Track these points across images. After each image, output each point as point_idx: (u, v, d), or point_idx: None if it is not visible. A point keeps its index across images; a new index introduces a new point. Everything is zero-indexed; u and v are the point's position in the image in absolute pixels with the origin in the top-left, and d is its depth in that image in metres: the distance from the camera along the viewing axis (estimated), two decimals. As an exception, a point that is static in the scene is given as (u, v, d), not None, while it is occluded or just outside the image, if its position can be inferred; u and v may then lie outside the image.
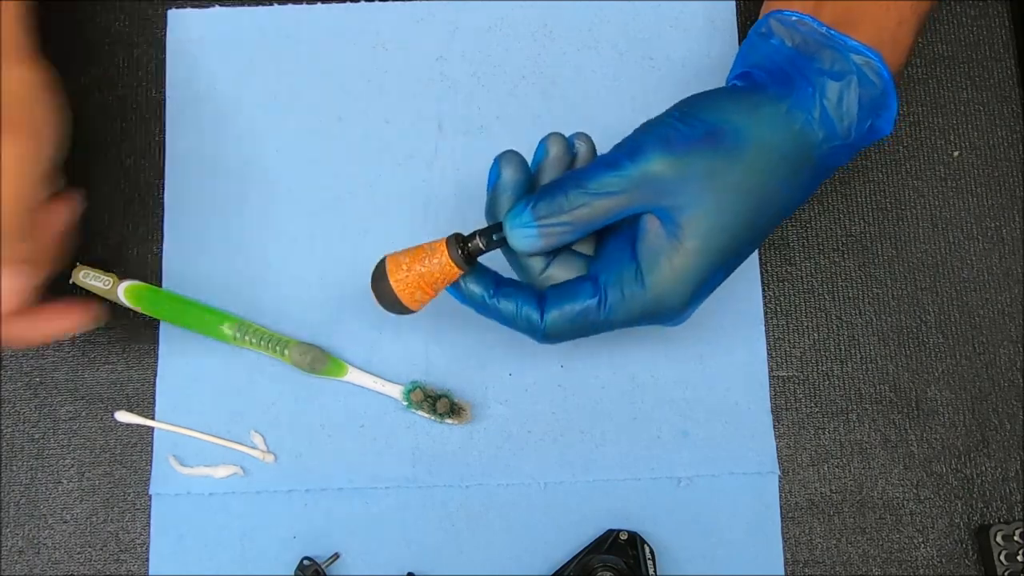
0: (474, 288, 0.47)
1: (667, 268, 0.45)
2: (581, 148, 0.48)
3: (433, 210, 0.59)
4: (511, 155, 0.47)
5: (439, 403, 0.56)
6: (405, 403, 0.56)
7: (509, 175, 0.46)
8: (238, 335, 0.56)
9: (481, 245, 0.46)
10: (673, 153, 0.44)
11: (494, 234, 0.46)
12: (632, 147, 0.45)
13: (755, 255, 0.59)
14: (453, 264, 0.46)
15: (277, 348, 0.56)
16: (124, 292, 0.57)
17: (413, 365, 0.57)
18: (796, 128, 0.45)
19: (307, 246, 0.59)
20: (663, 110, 0.47)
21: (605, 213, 0.45)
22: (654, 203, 0.45)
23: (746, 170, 0.45)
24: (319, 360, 0.56)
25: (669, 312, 0.47)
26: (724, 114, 0.45)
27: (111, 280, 0.57)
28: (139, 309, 0.57)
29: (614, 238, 0.47)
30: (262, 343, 0.56)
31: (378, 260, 0.47)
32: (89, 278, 0.57)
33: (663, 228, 0.45)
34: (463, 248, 0.46)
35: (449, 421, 0.56)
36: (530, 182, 0.47)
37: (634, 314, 0.46)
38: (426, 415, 0.56)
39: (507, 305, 0.47)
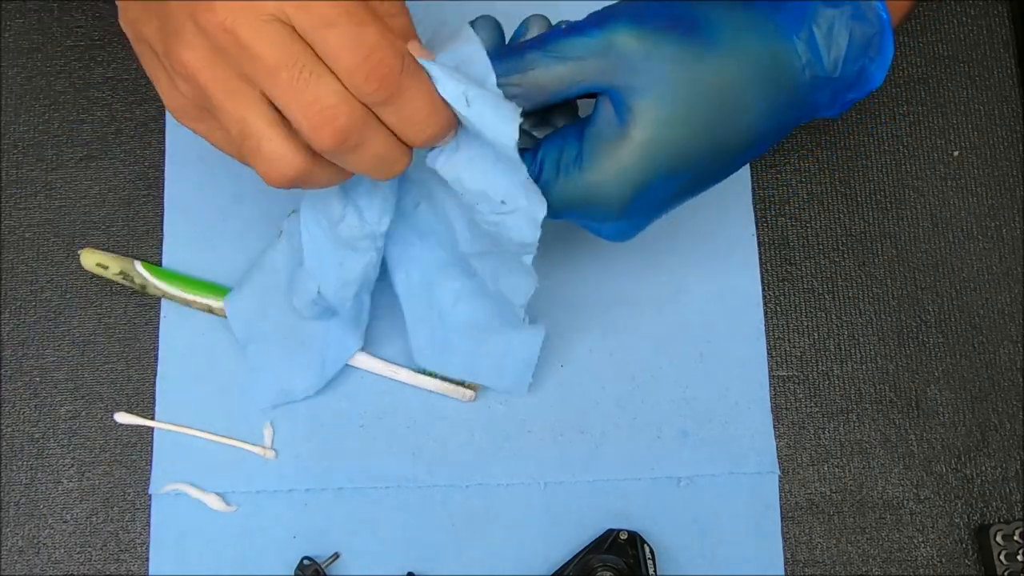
0: None
1: (607, 155, 0.43)
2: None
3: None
4: (486, 20, 0.45)
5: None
6: (416, 369, 0.56)
7: (481, 38, 0.44)
8: None
9: None
10: (642, 27, 0.42)
11: None
12: (602, 16, 0.43)
13: (755, 253, 0.59)
14: None
15: None
16: (141, 265, 0.57)
17: (413, 365, 0.57)
18: (778, 44, 0.43)
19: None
20: None
21: (559, 81, 0.43)
22: (611, 80, 0.43)
23: (714, 68, 0.43)
24: None
25: (604, 207, 0.44)
26: (706, 6, 0.43)
27: (125, 259, 0.57)
28: (156, 280, 0.56)
29: (570, 125, 0.46)
30: None
31: None
32: (98, 257, 0.57)
33: (615, 115, 0.43)
34: None
35: (458, 394, 0.56)
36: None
37: (567, 198, 0.44)
38: (436, 382, 0.56)
39: None
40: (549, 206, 0.44)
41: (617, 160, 0.43)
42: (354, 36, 0.39)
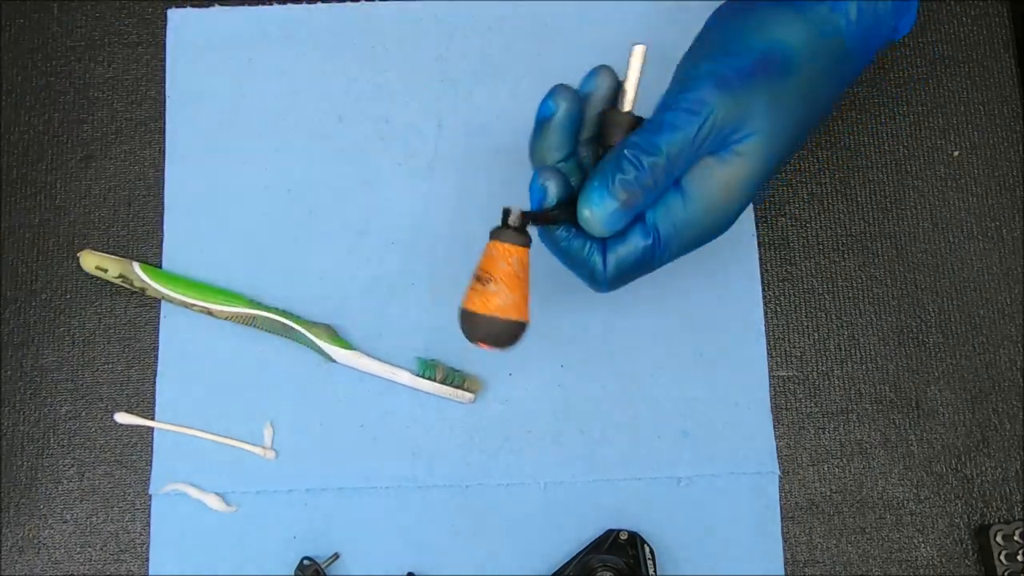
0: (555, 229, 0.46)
1: (718, 192, 0.45)
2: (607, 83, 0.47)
3: (433, 210, 0.59)
4: (564, 89, 0.45)
5: (453, 375, 0.56)
6: (417, 371, 0.56)
7: (564, 109, 0.45)
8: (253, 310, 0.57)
9: (521, 220, 0.43)
10: (732, 94, 0.44)
11: (549, 210, 0.45)
12: (693, 101, 0.44)
13: (755, 253, 0.59)
14: (518, 247, 0.42)
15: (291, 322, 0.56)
16: (140, 268, 0.57)
17: (413, 367, 0.57)
18: (831, 32, 0.45)
19: (307, 246, 0.59)
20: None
21: (676, 172, 0.45)
22: (717, 142, 0.45)
23: (799, 89, 0.45)
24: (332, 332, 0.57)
25: (718, 231, 0.47)
26: (771, 34, 0.45)
27: (125, 261, 0.57)
28: (156, 284, 0.57)
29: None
30: (276, 313, 0.56)
31: (459, 313, 0.43)
32: (98, 260, 0.57)
33: (714, 158, 0.45)
34: (516, 227, 0.43)
35: (457, 396, 0.56)
36: (581, 117, 0.46)
37: (687, 243, 0.47)
38: (435, 385, 0.56)
39: (578, 245, 0.46)
40: (673, 257, 0.47)
41: (726, 191, 0.45)
42: None
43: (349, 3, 0.62)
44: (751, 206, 0.60)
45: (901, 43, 0.62)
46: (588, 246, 0.46)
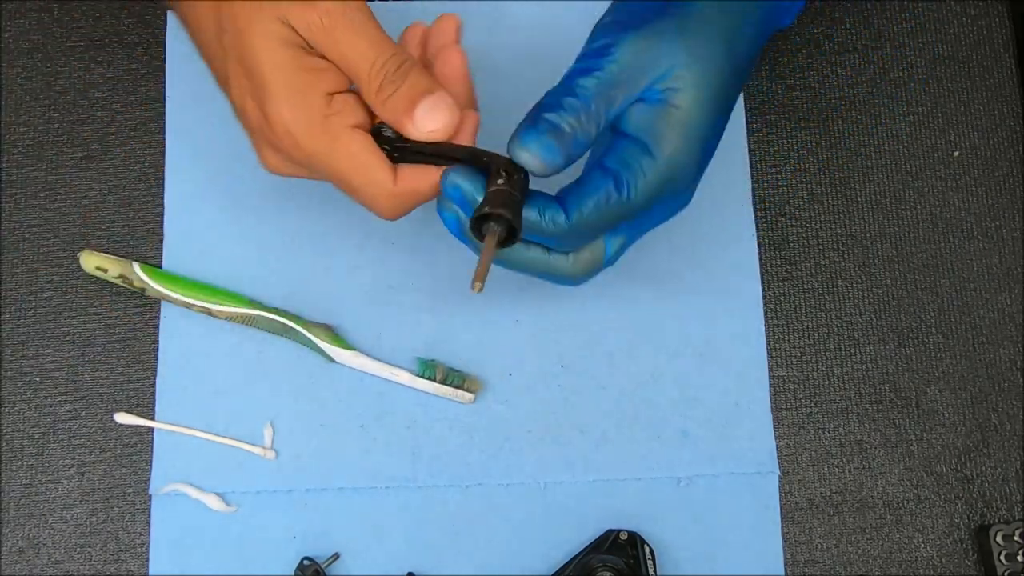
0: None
1: (669, 129, 0.45)
2: None
3: (433, 209, 0.59)
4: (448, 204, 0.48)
5: (453, 375, 0.56)
6: (417, 371, 0.56)
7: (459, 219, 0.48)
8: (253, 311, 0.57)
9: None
10: (635, 31, 0.45)
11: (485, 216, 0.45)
12: (598, 47, 0.45)
13: (755, 255, 0.59)
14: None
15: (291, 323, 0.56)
16: (140, 268, 0.57)
17: (412, 367, 0.57)
18: None
19: (307, 246, 0.59)
20: None
21: (601, 113, 0.45)
22: (637, 82, 0.45)
23: (711, 23, 0.45)
24: (331, 332, 0.57)
25: (683, 178, 0.46)
26: None
27: (125, 261, 0.57)
28: (155, 284, 0.57)
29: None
30: (276, 313, 0.57)
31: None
32: (98, 260, 0.57)
33: (648, 104, 0.45)
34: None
35: (457, 396, 0.56)
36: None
37: (652, 187, 0.45)
38: (435, 385, 0.56)
39: (530, 213, 0.46)
40: (637, 203, 0.46)
41: (677, 127, 0.45)
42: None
43: (349, 3, 0.62)
44: (750, 205, 0.59)
45: (901, 43, 0.62)
46: (540, 210, 0.46)
